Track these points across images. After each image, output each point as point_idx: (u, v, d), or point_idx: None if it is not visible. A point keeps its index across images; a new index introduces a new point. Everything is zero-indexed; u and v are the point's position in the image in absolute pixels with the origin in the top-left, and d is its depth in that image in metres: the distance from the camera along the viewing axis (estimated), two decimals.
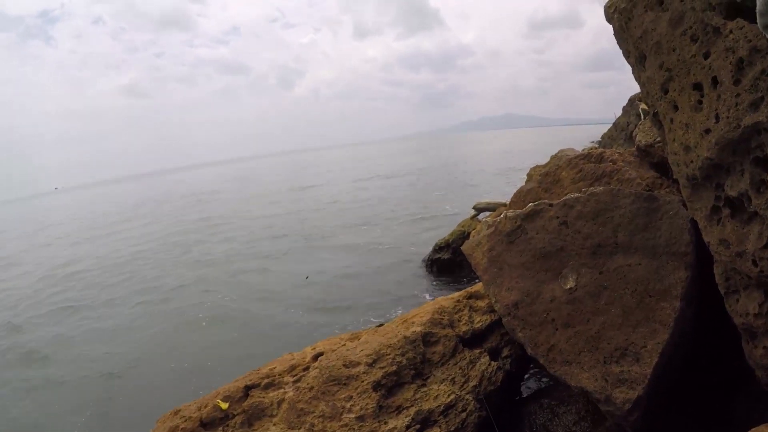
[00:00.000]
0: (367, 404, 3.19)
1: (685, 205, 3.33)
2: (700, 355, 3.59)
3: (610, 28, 3.41)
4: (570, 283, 3.54)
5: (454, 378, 3.57)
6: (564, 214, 3.59)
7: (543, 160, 6.59)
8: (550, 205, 3.60)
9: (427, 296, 7.90)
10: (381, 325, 3.89)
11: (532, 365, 4.14)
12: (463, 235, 8.66)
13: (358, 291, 9.06)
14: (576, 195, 3.65)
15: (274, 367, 3.25)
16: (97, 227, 30.31)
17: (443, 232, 11.26)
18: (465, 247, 3.71)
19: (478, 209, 9.16)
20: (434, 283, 8.81)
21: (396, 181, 32.54)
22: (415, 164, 48.60)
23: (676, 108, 2.77)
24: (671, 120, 2.81)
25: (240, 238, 17.70)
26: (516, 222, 3.51)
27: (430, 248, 10.12)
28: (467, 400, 3.55)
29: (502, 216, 3.52)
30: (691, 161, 2.67)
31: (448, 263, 9.03)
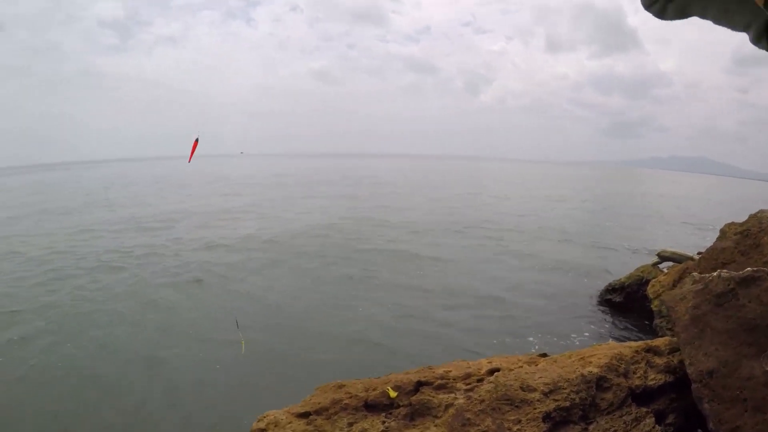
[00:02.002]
0: None
1: None
2: None
3: None
4: None
5: (616, 431, 3.57)
6: None
7: (736, 215, 6.49)
8: None
9: (597, 334, 8.14)
10: (544, 354, 3.94)
11: None
12: (640, 281, 8.61)
13: (528, 310, 9.61)
14: None
15: (449, 371, 3.39)
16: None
17: (615, 266, 12.06)
18: (667, 297, 3.70)
19: (663, 257, 9.07)
20: (604, 321, 9.08)
21: (573, 205, 33.22)
22: (596, 192, 49.63)
23: None
24: None
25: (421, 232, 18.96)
26: (729, 284, 3.47)
27: (603, 280, 10.62)
28: None
29: (715, 274, 3.50)
30: None
31: (620, 306, 9.01)
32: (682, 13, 0.86)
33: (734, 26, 0.80)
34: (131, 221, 21.69)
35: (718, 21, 0.82)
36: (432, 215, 24.14)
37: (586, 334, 8.08)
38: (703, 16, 0.84)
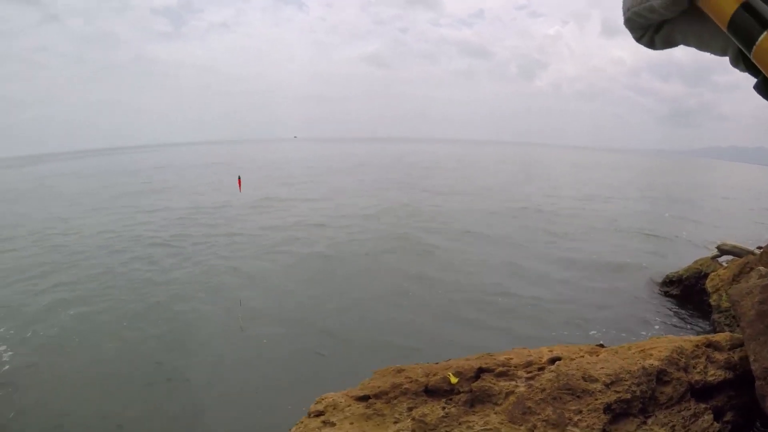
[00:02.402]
0: (594, 423, 3.28)
1: None
2: None
3: None
4: None
5: (674, 426, 3.57)
6: None
7: None
8: None
9: (654, 326, 8.17)
10: (601, 345, 3.94)
11: None
12: (699, 274, 8.59)
13: (583, 300, 9.67)
14: None
15: (511, 358, 3.42)
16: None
17: (673, 258, 12.11)
18: (733, 292, 3.67)
19: (722, 251, 8.95)
20: (661, 313, 9.06)
21: (629, 194, 32.85)
22: (653, 181, 49.22)
23: None
24: None
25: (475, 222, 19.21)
26: None
27: (660, 272, 10.63)
28: None
29: None
30: None
31: (678, 298, 9.03)
32: (668, 44, 0.90)
33: (714, 51, 0.84)
34: (186, 205, 22.48)
35: (699, 47, 0.85)
36: (484, 201, 24.29)
37: (644, 325, 8.06)
38: (686, 44, 0.88)
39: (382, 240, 14.80)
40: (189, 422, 5.55)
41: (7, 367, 6.82)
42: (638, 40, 0.89)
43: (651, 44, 0.91)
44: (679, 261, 10.88)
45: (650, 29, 0.87)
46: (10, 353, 7.30)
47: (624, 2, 0.89)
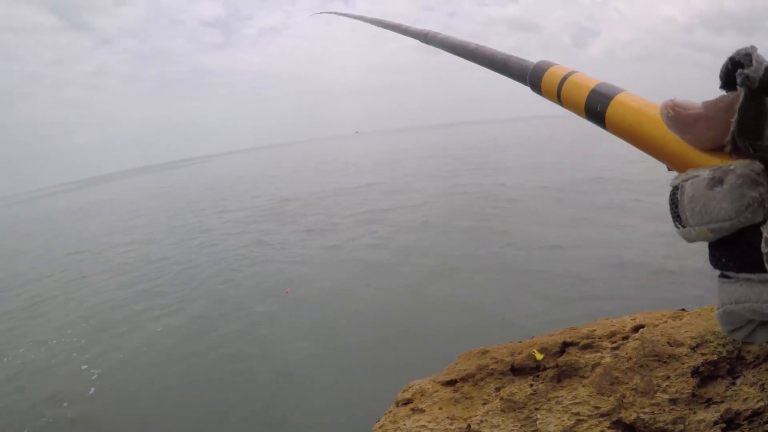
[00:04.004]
0: (683, 388, 3.34)
1: None
2: None
3: None
4: None
5: (763, 384, 3.59)
6: None
7: None
8: None
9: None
10: (683, 309, 3.99)
11: None
12: None
13: (657, 268, 9.67)
14: None
15: (594, 330, 3.51)
16: None
17: None
18: None
19: None
20: None
21: None
22: None
23: None
24: None
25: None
26: None
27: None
28: None
29: None
30: None
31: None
32: None
33: None
34: (271, 206, 23.47)
35: None
36: (557, 175, 24.51)
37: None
38: None
39: (454, 223, 15.15)
40: (277, 420, 5.81)
41: (92, 390, 7.26)
42: (731, 333, 0.75)
43: (751, 336, 0.78)
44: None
45: (754, 322, 0.71)
46: (96, 370, 7.76)
47: (727, 293, 0.68)
